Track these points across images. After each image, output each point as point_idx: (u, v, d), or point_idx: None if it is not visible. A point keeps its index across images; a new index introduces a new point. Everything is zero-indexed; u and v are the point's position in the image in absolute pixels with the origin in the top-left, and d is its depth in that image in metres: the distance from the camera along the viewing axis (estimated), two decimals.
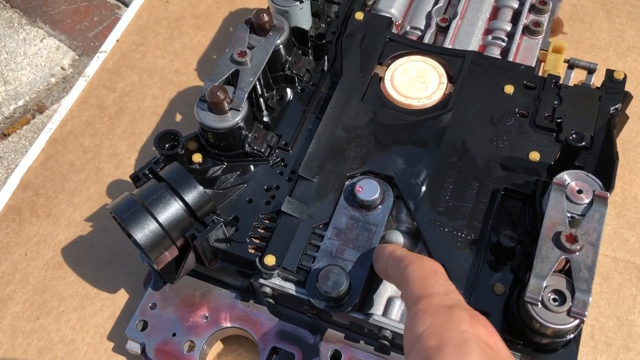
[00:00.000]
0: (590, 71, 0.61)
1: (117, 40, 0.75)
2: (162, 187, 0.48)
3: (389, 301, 0.49)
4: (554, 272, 0.42)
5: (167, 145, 0.53)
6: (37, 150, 0.67)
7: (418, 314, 0.36)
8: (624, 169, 0.64)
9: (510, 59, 0.60)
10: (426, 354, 0.33)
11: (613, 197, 0.62)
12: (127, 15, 0.76)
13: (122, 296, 0.59)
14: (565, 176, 0.45)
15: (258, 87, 0.55)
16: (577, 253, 0.42)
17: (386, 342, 0.48)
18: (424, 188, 0.51)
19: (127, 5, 0.80)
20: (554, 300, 0.41)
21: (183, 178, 0.48)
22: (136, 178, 0.51)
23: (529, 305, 0.41)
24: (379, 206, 0.51)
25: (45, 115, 0.70)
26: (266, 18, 0.55)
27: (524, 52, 0.62)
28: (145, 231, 0.46)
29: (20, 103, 0.70)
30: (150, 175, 0.51)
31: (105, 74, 0.72)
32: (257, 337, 0.52)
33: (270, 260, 0.48)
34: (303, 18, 0.60)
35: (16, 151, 0.67)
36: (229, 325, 0.53)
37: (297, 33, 0.59)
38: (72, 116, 0.69)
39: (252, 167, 0.55)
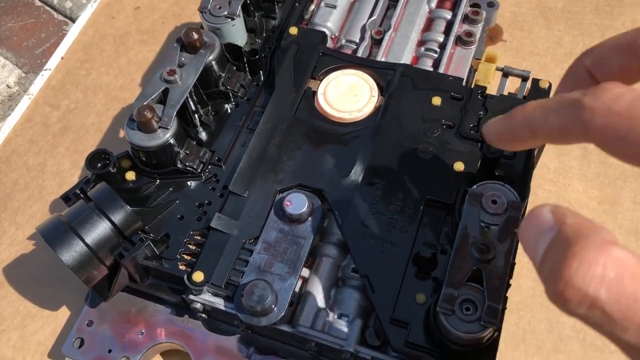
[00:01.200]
0: (524, 79, 0.63)
1: (62, 58, 0.75)
2: (89, 208, 0.49)
3: (317, 312, 0.50)
4: (467, 282, 0.43)
5: (99, 165, 0.54)
6: None
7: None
8: (558, 174, 0.65)
9: (442, 69, 0.61)
10: None
11: (548, 201, 0.63)
12: (72, 32, 0.77)
13: (63, 313, 0.59)
14: (480, 187, 0.47)
15: (191, 103, 0.56)
16: (490, 263, 0.43)
17: (314, 353, 0.49)
18: (352, 200, 0.52)
19: (74, 22, 0.80)
20: (467, 309, 0.43)
21: (110, 198, 0.49)
22: (67, 198, 0.52)
23: (442, 315, 0.42)
24: (308, 219, 0.52)
25: None
26: (196, 36, 0.56)
27: (457, 62, 0.63)
28: (71, 252, 0.47)
29: None
30: (81, 195, 0.52)
31: (50, 91, 0.73)
32: (191, 351, 0.53)
33: (198, 276, 0.49)
34: (237, 34, 0.60)
35: None
36: (164, 340, 0.53)
37: (231, 49, 0.60)
38: (15, 134, 0.70)
39: (185, 183, 0.55)
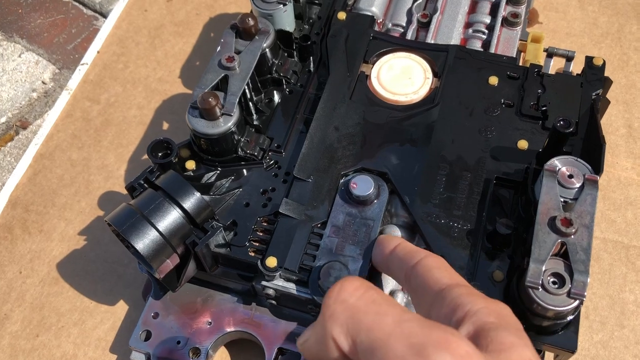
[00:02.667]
0: (569, 59, 0.63)
1: (98, 52, 0.74)
2: (160, 196, 0.48)
3: (391, 294, 0.49)
4: (551, 255, 0.43)
5: (160, 154, 0.53)
6: (24, 167, 0.66)
7: (462, 296, 0.35)
8: (606, 151, 0.65)
9: (492, 50, 0.61)
10: (486, 327, 0.32)
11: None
12: (106, 26, 0.76)
13: (121, 308, 0.59)
14: (556, 162, 0.47)
15: (247, 91, 0.56)
16: (573, 236, 0.43)
17: None
18: (417, 182, 0.52)
19: (104, 16, 0.79)
20: (554, 283, 0.43)
21: (180, 186, 0.49)
22: (132, 188, 0.51)
23: (530, 290, 0.42)
24: (375, 201, 0.51)
25: (29, 131, 0.70)
26: (252, 22, 0.55)
27: (504, 43, 0.63)
28: (146, 240, 0.46)
29: (3, 120, 0.69)
30: (145, 184, 0.51)
31: (88, 86, 0.72)
32: (261, 339, 0.52)
33: (272, 262, 0.49)
34: (287, 20, 0.60)
35: (2, 169, 0.67)
36: (232, 329, 0.53)
37: (282, 36, 0.59)
38: (57, 130, 0.69)
39: (245, 171, 0.55)
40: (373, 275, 0.50)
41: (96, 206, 0.64)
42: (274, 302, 0.51)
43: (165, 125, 0.69)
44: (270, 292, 0.50)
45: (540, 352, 0.46)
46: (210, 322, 0.53)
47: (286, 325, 0.53)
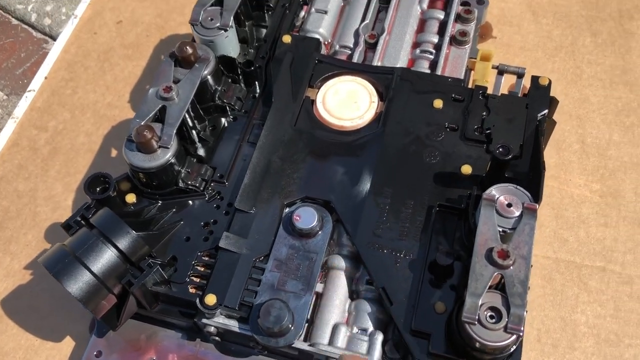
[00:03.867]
0: (520, 75, 0.62)
1: (46, 77, 0.73)
2: (94, 236, 0.47)
3: (335, 328, 0.49)
4: (488, 289, 0.42)
5: (98, 189, 0.52)
6: None
7: None
8: (559, 169, 0.65)
9: (439, 71, 0.60)
10: None
11: (550, 198, 0.63)
12: (55, 50, 0.74)
13: (68, 344, 0.57)
14: (494, 191, 0.46)
15: (189, 120, 0.55)
16: (510, 268, 0.43)
17: None
18: (361, 210, 0.51)
19: (54, 39, 0.78)
20: (491, 317, 0.42)
21: (114, 224, 0.47)
22: (68, 227, 0.50)
23: (467, 325, 0.42)
24: (319, 233, 0.51)
25: None
26: (190, 50, 0.54)
27: (453, 62, 0.62)
28: (79, 283, 0.45)
29: None
30: (82, 222, 0.50)
31: (36, 113, 0.70)
32: None
33: (211, 299, 0.48)
34: (230, 46, 0.59)
35: None
36: None
37: (225, 61, 0.58)
38: (3, 160, 0.67)
39: (189, 202, 0.54)
40: (318, 309, 0.49)
41: (43, 239, 0.63)
42: (217, 338, 0.50)
43: (114, 152, 0.68)
44: (212, 329, 0.49)
45: None
46: (154, 359, 0.52)
47: None
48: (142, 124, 0.51)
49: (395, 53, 0.62)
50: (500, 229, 0.45)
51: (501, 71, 0.63)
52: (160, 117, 0.53)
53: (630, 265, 0.59)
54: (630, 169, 0.65)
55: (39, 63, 0.76)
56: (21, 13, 0.80)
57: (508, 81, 0.64)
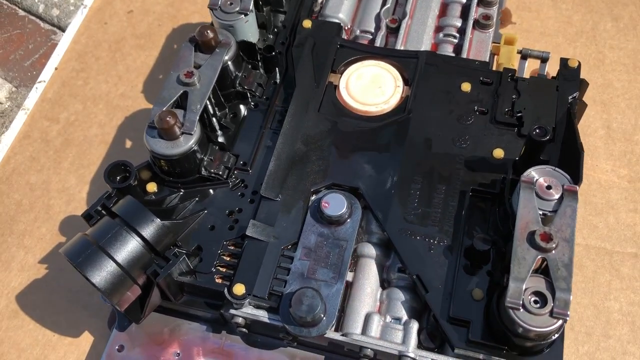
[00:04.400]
0: (544, 60, 0.61)
1: (56, 68, 0.71)
2: (117, 224, 0.45)
3: (367, 318, 0.47)
4: (531, 273, 0.41)
5: (118, 178, 0.50)
6: None
7: None
8: (585, 155, 0.63)
9: (464, 55, 0.59)
10: None
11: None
12: (64, 41, 0.72)
13: (86, 339, 0.56)
14: (533, 173, 0.44)
15: (209, 106, 0.53)
16: (553, 251, 0.41)
17: None
18: (391, 197, 0.50)
19: (63, 30, 0.76)
20: (535, 302, 0.40)
21: (138, 212, 0.46)
22: (89, 216, 0.48)
23: (511, 310, 0.40)
24: (348, 220, 0.49)
25: None
26: (211, 35, 0.52)
27: (477, 46, 0.61)
28: (103, 273, 0.44)
29: None
30: (103, 212, 0.48)
31: (47, 104, 0.69)
32: None
33: (239, 289, 0.46)
34: (249, 31, 0.57)
35: None
36: (202, 359, 0.50)
37: (245, 47, 0.57)
38: (14, 153, 0.66)
39: (211, 191, 0.52)
40: (350, 298, 0.47)
41: (57, 232, 0.61)
42: (244, 330, 0.48)
43: (129, 144, 0.66)
44: (240, 320, 0.47)
45: None
46: (179, 353, 0.50)
47: (259, 354, 0.50)
48: (164, 109, 0.49)
49: (418, 37, 0.60)
50: (541, 212, 0.43)
51: (525, 55, 0.61)
52: (181, 103, 0.51)
53: None
54: None
55: (47, 54, 0.74)
56: (28, 4, 0.78)
57: (531, 66, 0.63)
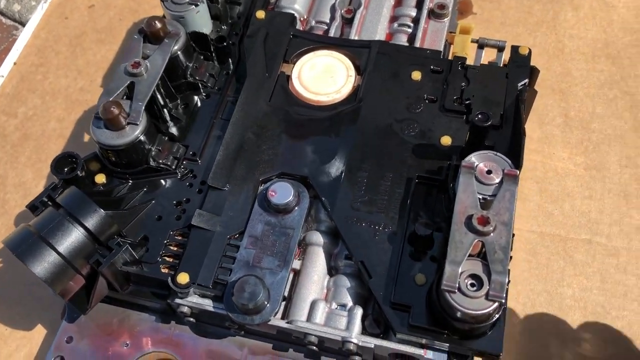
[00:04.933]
0: (500, 49, 0.61)
1: (15, 63, 0.71)
2: (60, 215, 0.45)
3: (313, 305, 0.47)
4: (469, 256, 0.41)
5: (65, 169, 0.50)
6: None
7: None
8: (542, 143, 0.64)
9: (418, 44, 0.59)
10: None
11: (534, 172, 0.62)
12: (24, 36, 0.72)
13: (39, 332, 0.55)
14: (473, 158, 0.45)
15: (159, 97, 0.53)
16: (491, 235, 0.41)
17: (314, 348, 0.46)
18: (338, 185, 0.50)
19: (24, 25, 0.76)
20: (472, 285, 0.41)
21: (81, 202, 0.46)
22: (33, 207, 0.48)
23: (447, 294, 0.40)
24: (295, 208, 0.49)
25: None
26: (159, 25, 0.52)
27: (432, 36, 0.61)
28: (44, 264, 0.44)
29: None
30: (49, 202, 0.48)
31: (5, 99, 0.68)
32: (182, 358, 0.49)
33: (183, 278, 0.46)
34: (201, 22, 0.57)
35: None
36: (151, 350, 0.50)
37: (197, 38, 0.56)
38: None
39: (162, 181, 0.52)
40: (296, 286, 0.47)
41: (12, 226, 0.61)
42: (192, 319, 0.48)
43: (87, 138, 0.66)
44: (186, 309, 0.47)
45: (467, 357, 0.43)
46: (128, 344, 0.50)
47: (207, 343, 0.50)
48: (110, 100, 0.49)
49: (373, 27, 0.60)
50: (480, 196, 0.43)
51: (481, 45, 0.61)
52: (129, 94, 0.51)
53: (616, 237, 0.58)
54: (614, 141, 0.64)
55: (8, 50, 0.74)
56: None
57: (488, 56, 0.63)
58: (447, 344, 0.43)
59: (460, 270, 0.40)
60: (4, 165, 0.64)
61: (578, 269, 0.57)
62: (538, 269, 0.57)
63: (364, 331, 0.46)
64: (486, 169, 0.44)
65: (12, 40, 0.75)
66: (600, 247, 0.57)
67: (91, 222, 0.45)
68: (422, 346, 0.44)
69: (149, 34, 0.53)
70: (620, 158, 0.63)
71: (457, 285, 0.40)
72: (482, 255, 0.42)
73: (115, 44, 0.72)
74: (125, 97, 0.51)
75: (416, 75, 0.55)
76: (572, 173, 0.62)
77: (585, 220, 0.59)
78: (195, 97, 0.56)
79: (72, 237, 0.45)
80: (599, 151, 0.63)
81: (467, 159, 0.45)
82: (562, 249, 0.58)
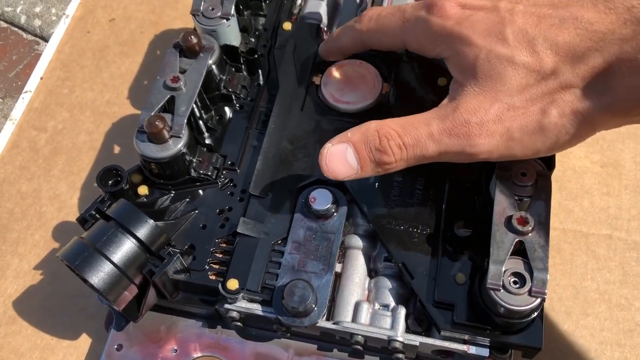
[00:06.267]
0: None
1: (41, 78, 0.72)
2: (112, 227, 0.47)
3: (357, 306, 0.49)
4: (510, 255, 0.43)
5: (110, 182, 0.52)
6: None
7: None
8: None
9: None
10: None
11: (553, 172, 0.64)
12: (48, 51, 0.74)
13: (84, 341, 0.57)
14: (508, 161, 0.47)
15: (196, 110, 0.55)
16: (530, 234, 0.44)
17: (359, 347, 0.48)
18: (374, 189, 0.52)
19: (46, 40, 0.77)
20: (515, 282, 0.43)
21: (132, 214, 0.47)
22: (83, 220, 0.50)
23: (492, 291, 0.42)
24: (335, 214, 0.51)
25: None
26: (195, 40, 0.54)
27: None
28: (100, 274, 0.45)
29: None
30: (97, 215, 0.50)
31: (34, 114, 0.70)
32: None
33: (233, 284, 0.48)
34: (232, 35, 0.59)
35: None
36: (199, 354, 0.52)
37: (228, 50, 0.58)
38: (4, 163, 0.67)
39: (201, 191, 0.54)
40: (339, 288, 0.49)
41: (51, 238, 0.62)
42: (239, 324, 0.50)
43: (117, 149, 0.67)
44: (234, 314, 0.49)
45: (507, 351, 0.46)
46: (176, 350, 0.52)
47: (254, 346, 0.52)
48: (152, 114, 0.51)
49: None
50: (517, 197, 0.45)
51: None
52: (168, 107, 0.53)
53: (635, 231, 0.60)
54: (628, 138, 0.66)
55: (32, 65, 0.76)
56: (10, 15, 0.79)
57: None
58: (489, 339, 0.45)
59: (503, 269, 0.43)
60: (37, 179, 0.66)
61: (601, 263, 0.59)
62: (562, 265, 0.59)
63: (408, 329, 0.48)
64: (521, 171, 0.46)
65: (35, 55, 0.76)
66: (620, 241, 0.60)
67: (142, 232, 0.47)
68: (464, 342, 0.46)
69: (185, 48, 0.55)
70: (635, 155, 0.65)
71: (502, 283, 0.42)
72: (522, 254, 0.44)
73: (138, 56, 0.74)
74: (164, 111, 0.53)
75: (442, 81, 0.57)
76: (589, 171, 0.65)
77: (604, 216, 0.62)
78: (228, 109, 0.58)
79: (126, 248, 0.46)
80: (613, 149, 0.66)
81: (501, 162, 0.47)
82: (584, 245, 0.60)
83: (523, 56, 0.39)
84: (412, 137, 0.43)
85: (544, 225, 0.44)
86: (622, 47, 0.37)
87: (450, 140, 0.42)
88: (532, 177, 0.46)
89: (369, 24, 0.50)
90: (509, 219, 0.44)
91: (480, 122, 0.41)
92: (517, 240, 0.43)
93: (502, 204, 0.45)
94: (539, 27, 0.39)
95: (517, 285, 0.43)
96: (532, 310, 0.43)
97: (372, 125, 0.44)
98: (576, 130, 0.40)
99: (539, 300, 0.42)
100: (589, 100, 0.39)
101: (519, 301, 0.42)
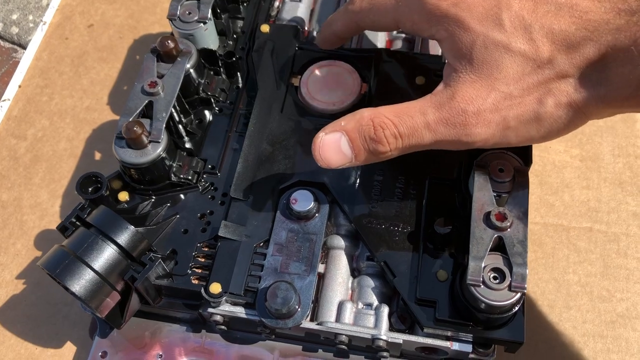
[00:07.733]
0: None
1: (20, 86, 0.71)
2: (93, 234, 0.47)
3: (340, 306, 0.49)
4: (489, 251, 0.44)
5: (90, 189, 0.51)
6: None
7: None
8: None
9: (417, 49, 0.62)
10: None
11: (533, 166, 0.64)
12: (26, 58, 0.73)
13: (69, 349, 0.57)
14: (486, 157, 0.47)
15: (175, 114, 0.55)
16: (508, 230, 0.44)
17: (344, 347, 0.48)
18: (355, 189, 0.52)
19: (24, 48, 0.77)
20: (494, 278, 0.43)
21: (112, 220, 0.47)
22: (64, 228, 0.49)
23: (472, 287, 0.43)
24: (316, 215, 0.51)
25: None
26: (172, 45, 0.54)
27: (432, 42, 0.63)
28: (82, 282, 0.45)
29: None
30: (78, 223, 0.49)
31: (13, 122, 0.69)
32: None
33: (215, 288, 0.48)
34: (209, 38, 0.59)
35: None
36: (184, 359, 0.52)
37: (206, 54, 0.58)
38: None
39: (182, 196, 0.54)
40: (323, 289, 0.50)
41: (33, 247, 0.62)
42: (223, 327, 0.50)
43: (98, 156, 0.67)
44: (218, 318, 0.49)
45: (490, 346, 0.46)
46: (161, 355, 0.52)
47: (239, 349, 0.52)
48: (131, 120, 0.51)
49: (373, 35, 0.63)
50: (495, 193, 0.46)
51: None
52: (147, 112, 0.53)
53: (615, 223, 0.61)
54: (606, 132, 0.67)
55: (10, 72, 0.75)
56: None
57: None
58: (472, 335, 0.46)
59: (483, 265, 0.43)
60: (18, 187, 0.65)
61: (582, 255, 0.60)
62: (544, 258, 0.60)
63: (391, 327, 0.48)
64: (498, 167, 0.47)
65: (13, 62, 0.75)
66: (600, 234, 0.61)
67: (123, 239, 0.47)
68: (447, 338, 0.47)
69: (162, 53, 0.54)
70: (613, 148, 0.66)
71: (482, 279, 0.43)
72: (501, 250, 0.44)
73: (117, 61, 0.74)
74: (143, 116, 0.53)
75: (420, 80, 0.57)
76: (569, 165, 0.65)
77: (585, 209, 0.62)
78: (207, 112, 0.58)
79: (107, 255, 0.46)
80: (592, 142, 0.66)
81: (479, 158, 0.47)
82: (565, 238, 0.61)
83: (520, 44, 0.39)
84: (408, 126, 0.42)
85: (522, 221, 0.44)
86: (616, 37, 0.37)
87: (446, 130, 0.41)
88: (509, 173, 0.46)
89: (362, 3, 0.49)
90: (487, 215, 0.44)
91: (477, 112, 0.40)
92: (496, 236, 0.44)
93: (480, 201, 0.45)
94: (535, 13, 0.39)
95: (497, 281, 0.43)
96: (513, 305, 0.43)
97: (366, 113, 0.43)
98: (570, 119, 0.40)
99: (519, 294, 0.43)
100: (585, 91, 0.39)
101: (499, 296, 0.43)
